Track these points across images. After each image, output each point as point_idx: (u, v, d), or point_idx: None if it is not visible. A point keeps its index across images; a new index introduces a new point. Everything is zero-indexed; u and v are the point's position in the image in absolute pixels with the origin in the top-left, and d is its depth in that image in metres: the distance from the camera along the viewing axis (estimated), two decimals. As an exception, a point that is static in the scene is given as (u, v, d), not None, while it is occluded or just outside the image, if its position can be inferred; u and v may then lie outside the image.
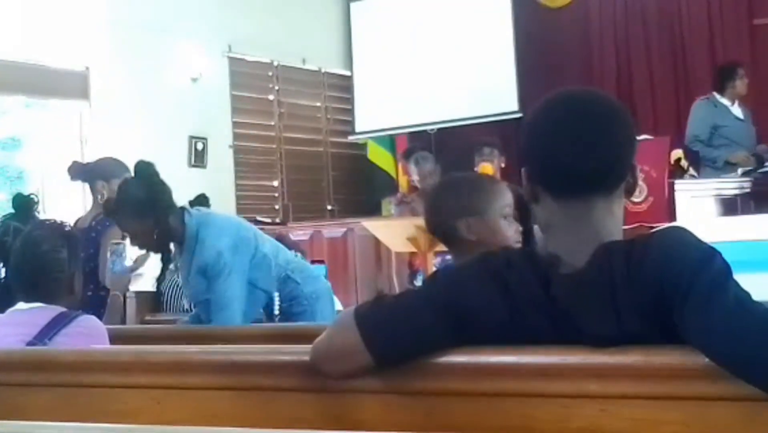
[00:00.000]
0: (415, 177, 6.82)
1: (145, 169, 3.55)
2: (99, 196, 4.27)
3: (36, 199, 3.77)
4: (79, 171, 4.40)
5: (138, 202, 3.48)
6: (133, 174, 3.61)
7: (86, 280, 3.39)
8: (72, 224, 4.13)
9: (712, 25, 8.69)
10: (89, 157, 7.61)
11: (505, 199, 2.59)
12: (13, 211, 3.71)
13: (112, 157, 4.56)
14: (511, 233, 2.56)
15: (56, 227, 2.83)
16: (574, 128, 1.58)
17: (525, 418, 1.49)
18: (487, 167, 5.86)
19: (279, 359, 1.77)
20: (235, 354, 1.89)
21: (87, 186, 4.48)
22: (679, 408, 1.40)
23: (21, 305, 2.64)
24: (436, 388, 1.57)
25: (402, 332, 1.57)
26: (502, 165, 6.21)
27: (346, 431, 1.59)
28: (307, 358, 1.65)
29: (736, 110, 7.21)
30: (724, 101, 7.19)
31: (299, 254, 4.04)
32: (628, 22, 9.18)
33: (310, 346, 1.66)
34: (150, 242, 3.59)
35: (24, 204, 3.72)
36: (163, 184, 3.57)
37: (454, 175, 2.92)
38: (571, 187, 1.58)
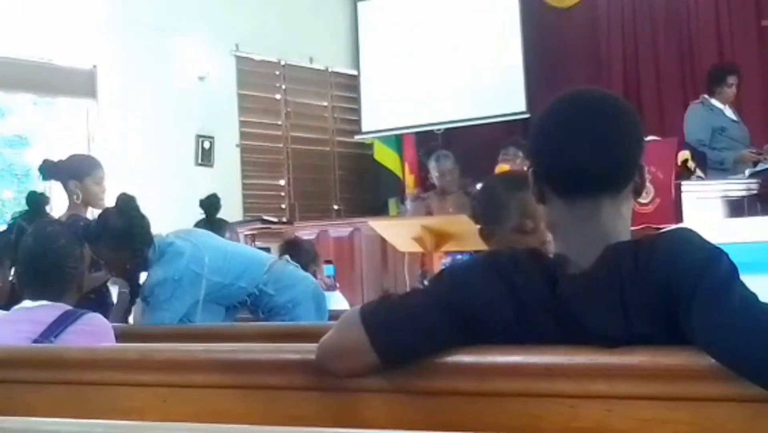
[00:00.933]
0: (435, 174, 6.84)
1: (127, 203, 3.59)
2: (74, 197, 4.19)
3: (48, 198, 3.77)
4: (52, 170, 4.28)
5: (116, 234, 3.53)
6: (114, 204, 3.63)
7: None
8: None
9: (720, 27, 8.66)
10: (97, 155, 7.65)
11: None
12: (26, 208, 3.72)
13: (83, 154, 4.51)
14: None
15: (70, 224, 2.84)
16: (581, 128, 1.58)
17: (531, 418, 1.49)
18: (504, 168, 5.82)
19: (284, 358, 1.77)
20: (241, 352, 1.89)
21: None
22: (686, 408, 1.40)
23: (27, 303, 2.65)
24: (442, 387, 1.57)
25: (407, 331, 1.57)
26: (525, 167, 6.18)
27: (351, 429, 1.58)
28: (312, 357, 1.65)
29: (729, 112, 7.22)
30: (717, 104, 7.18)
31: (285, 258, 4.02)
32: (636, 24, 9.15)
33: (315, 345, 1.66)
34: (123, 272, 3.68)
35: (36, 202, 3.73)
36: (142, 218, 3.61)
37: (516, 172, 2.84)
38: (578, 187, 1.58)
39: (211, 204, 4.29)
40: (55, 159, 4.29)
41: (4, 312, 2.73)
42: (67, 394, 1.99)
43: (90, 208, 4.31)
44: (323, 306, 3.84)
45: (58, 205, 4.75)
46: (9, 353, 2.22)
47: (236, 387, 1.78)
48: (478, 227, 2.55)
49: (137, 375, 1.91)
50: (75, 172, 4.23)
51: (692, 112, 7.29)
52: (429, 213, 6.67)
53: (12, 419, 1.59)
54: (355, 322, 1.59)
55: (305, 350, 1.69)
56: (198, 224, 4.28)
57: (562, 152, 1.59)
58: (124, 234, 3.53)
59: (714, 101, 7.18)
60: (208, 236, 3.81)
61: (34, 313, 2.60)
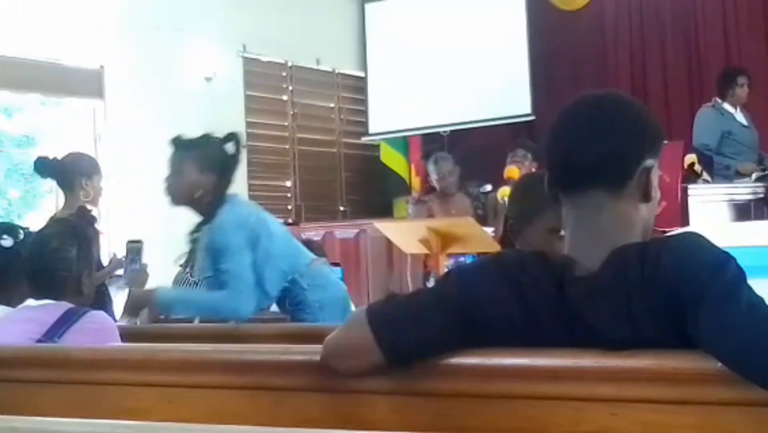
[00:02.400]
0: (434, 177, 6.83)
1: (235, 139, 3.65)
2: (82, 193, 4.21)
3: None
4: (50, 167, 4.28)
5: (217, 157, 3.57)
6: (226, 134, 3.70)
7: None
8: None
9: (727, 29, 8.65)
10: (104, 155, 7.66)
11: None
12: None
13: (82, 153, 4.53)
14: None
15: (69, 226, 2.84)
16: (574, 121, 1.62)
17: (536, 421, 1.49)
18: (513, 170, 5.80)
19: (290, 359, 1.77)
20: (247, 353, 1.89)
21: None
22: (692, 412, 1.39)
23: (30, 302, 2.65)
24: (447, 389, 1.57)
25: (413, 331, 1.57)
26: (533, 170, 6.14)
27: (356, 431, 1.59)
28: (318, 358, 1.65)
29: (740, 116, 7.21)
30: (728, 108, 7.18)
31: (323, 260, 3.99)
32: (643, 26, 9.15)
33: (321, 346, 1.66)
34: (188, 196, 3.59)
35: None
36: (237, 162, 3.63)
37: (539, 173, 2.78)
38: (569, 181, 1.60)
39: None
40: (50, 156, 4.31)
41: (8, 309, 2.73)
42: (72, 394, 1.99)
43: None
44: (348, 315, 3.80)
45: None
46: (15, 352, 2.23)
47: (242, 388, 1.78)
48: (511, 221, 2.50)
49: (143, 375, 1.92)
50: (85, 169, 4.28)
51: (702, 116, 7.30)
52: (431, 216, 6.66)
53: (18, 418, 1.59)
54: (361, 321, 1.59)
55: (311, 352, 1.69)
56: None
57: (555, 144, 1.63)
58: (222, 162, 3.56)
59: (726, 105, 7.18)
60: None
61: (37, 312, 2.60)
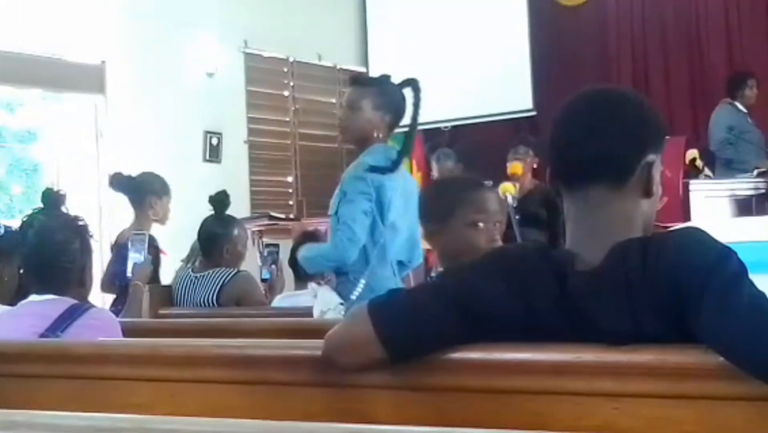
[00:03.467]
0: (435, 173, 6.84)
1: (414, 84, 3.55)
2: (151, 212, 4.48)
3: (64, 195, 3.79)
4: (125, 184, 4.57)
5: (394, 98, 3.56)
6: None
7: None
8: (116, 237, 4.53)
9: (729, 25, 8.64)
10: (105, 150, 7.67)
11: (473, 204, 2.44)
12: (42, 206, 3.72)
13: (157, 174, 4.66)
14: (481, 242, 2.38)
15: (70, 220, 2.84)
16: (573, 118, 1.62)
17: (538, 415, 1.49)
18: (516, 166, 5.79)
19: (292, 354, 1.78)
20: (249, 348, 1.89)
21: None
22: (693, 407, 1.39)
23: (33, 297, 2.65)
24: (449, 384, 1.57)
25: (414, 326, 1.57)
26: (534, 165, 6.13)
27: (358, 425, 1.59)
28: (319, 353, 1.66)
29: (748, 118, 7.30)
30: (741, 108, 7.25)
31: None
32: (644, 21, 9.14)
33: (323, 340, 1.66)
34: (363, 134, 3.58)
35: (52, 198, 3.74)
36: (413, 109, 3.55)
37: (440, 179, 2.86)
38: (573, 174, 1.60)
39: (219, 201, 4.30)
40: (125, 173, 4.62)
41: (8, 307, 2.74)
42: (74, 389, 1.99)
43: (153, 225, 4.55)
44: None
45: (70, 200, 4.75)
46: (17, 347, 2.23)
47: (244, 383, 1.79)
48: (428, 230, 2.54)
49: (145, 370, 1.92)
50: (156, 189, 4.57)
51: (720, 112, 7.40)
52: None
53: (18, 412, 1.59)
54: (362, 316, 1.59)
55: (313, 347, 1.69)
56: (206, 221, 4.29)
57: (557, 139, 1.63)
58: (398, 103, 3.55)
59: (737, 104, 7.26)
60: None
61: (41, 307, 2.60)
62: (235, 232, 4.32)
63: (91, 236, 2.82)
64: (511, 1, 8.98)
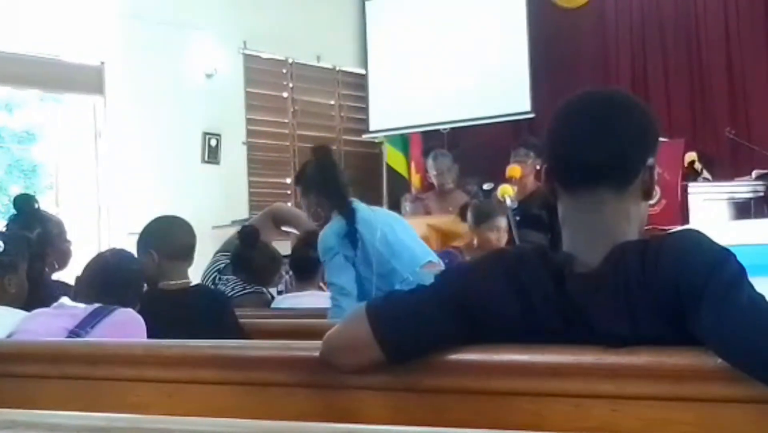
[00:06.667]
0: (432, 173, 6.82)
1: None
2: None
3: (34, 197, 3.80)
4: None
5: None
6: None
7: None
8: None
9: (728, 28, 8.64)
10: (104, 151, 7.67)
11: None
12: (15, 213, 3.72)
13: None
14: None
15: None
16: (579, 120, 1.61)
17: (536, 417, 1.49)
18: (515, 169, 5.78)
19: (290, 355, 1.78)
20: (246, 349, 1.89)
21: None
22: (691, 409, 1.40)
23: (65, 300, 2.75)
24: (447, 385, 1.57)
25: (412, 327, 1.57)
26: (537, 167, 6.12)
27: (355, 425, 1.58)
28: (317, 354, 1.66)
29: None
30: None
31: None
32: (643, 24, 9.14)
33: (321, 341, 1.66)
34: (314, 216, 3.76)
35: (25, 204, 3.74)
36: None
37: None
38: (576, 178, 1.60)
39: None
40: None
41: (23, 312, 2.78)
42: (72, 389, 2.00)
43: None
44: None
45: (68, 201, 4.75)
46: (16, 348, 2.24)
47: (242, 384, 1.79)
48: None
49: (143, 370, 1.92)
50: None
51: None
52: (428, 213, 6.65)
53: (17, 411, 1.59)
54: (360, 317, 1.59)
55: (310, 348, 1.70)
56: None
57: (559, 144, 1.62)
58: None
59: None
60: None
61: (71, 308, 2.69)
62: None
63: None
64: (509, 3, 8.98)
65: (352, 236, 3.57)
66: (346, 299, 3.52)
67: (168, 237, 3.31)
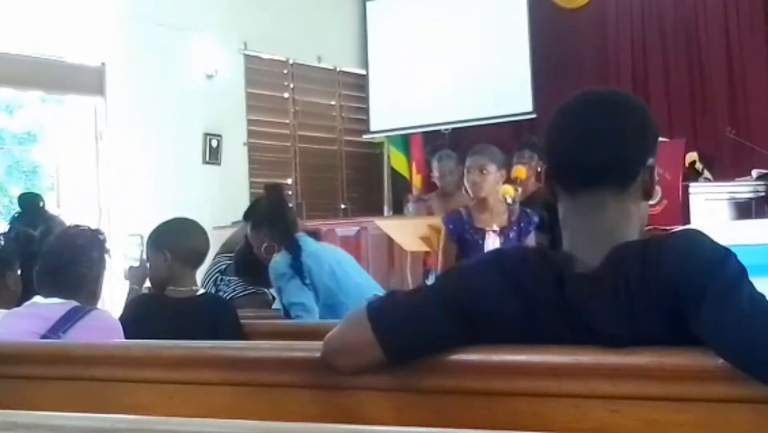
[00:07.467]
0: (436, 174, 6.81)
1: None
2: None
3: (41, 196, 3.77)
4: None
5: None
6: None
7: None
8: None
9: (728, 28, 8.63)
10: (105, 152, 7.67)
11: None
12: (20, 210, 3.72)
13: None
14: None
15: (91, 231, 2.89)
16: (580, 121, 1.60)
17: (536, 417, 1.49)
18: (521, 170, 5.77)
19: (290, 356, 1.78)
20: (247, 350, 1.89)
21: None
22: (692, 409, 1.39)
23: (38, 299, 2.67)
24: (447, 386, 1.57)
25: (413, 328, 1.57)
26: (539, 169, 6.11)
27: (357, 426, 1.59)
28: (318, 355, 1.65)
29: None
30: None
31: None
32: (644, 25, 9.13)
33: (322, 342, 1.66)
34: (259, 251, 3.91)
35: (30, 203, 3.74)
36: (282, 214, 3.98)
37: None
38: (576, 179, 1.59)
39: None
40: None
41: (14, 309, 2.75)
42: (73, 390, 1.99)
43: None
44: None
45: (70, 201, 4.75)
46: (16, 348, 2.23)
47: (242, 385, 1.78)
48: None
49: (143, 372, 1.92)
50: None
51: None
52: (430, 214, 6.64)
53: (17, 412, 1.59)
54: (361, 318, 1.59)
55: (311, 349, 1.69)
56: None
57: (560, 145, 1.62)
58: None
59: None
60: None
61: (44, 309, 2.62)
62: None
63: (107, 251, 2.84)
64: (510, 4, 8.98)
65: (298, 268, 3.74)
66: (311, 315, 3.65)
67: (184, 240, 3.22)
